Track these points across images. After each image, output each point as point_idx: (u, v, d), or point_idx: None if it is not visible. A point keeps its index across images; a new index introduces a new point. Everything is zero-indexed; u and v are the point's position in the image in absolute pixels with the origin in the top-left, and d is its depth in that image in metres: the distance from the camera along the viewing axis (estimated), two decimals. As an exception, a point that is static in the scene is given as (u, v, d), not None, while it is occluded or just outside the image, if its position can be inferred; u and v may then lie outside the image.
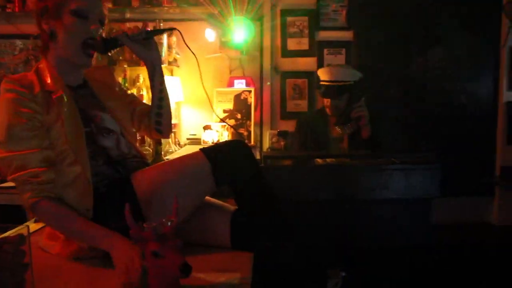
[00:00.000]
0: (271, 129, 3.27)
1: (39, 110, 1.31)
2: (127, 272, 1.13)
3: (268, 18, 3.24)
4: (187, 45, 1.51)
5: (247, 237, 1.42)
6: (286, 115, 3.29)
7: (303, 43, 3.27)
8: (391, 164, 2.18)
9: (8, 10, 3.18)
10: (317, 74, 2.69)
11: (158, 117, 1.56)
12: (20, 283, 1.04)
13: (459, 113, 3.31)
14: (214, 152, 1.40)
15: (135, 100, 1.66)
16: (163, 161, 1.47)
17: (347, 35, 3.25)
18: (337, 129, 2.51)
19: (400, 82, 3.31)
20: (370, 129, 2.44)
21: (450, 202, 3.14)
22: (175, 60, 3.19)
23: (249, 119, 3.17)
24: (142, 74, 3.12)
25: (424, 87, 3.32)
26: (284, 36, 3.27)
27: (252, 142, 3.16)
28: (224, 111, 3.17)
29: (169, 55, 3.12)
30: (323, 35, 3.27)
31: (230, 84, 3.24)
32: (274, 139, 3.23)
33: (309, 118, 2.81)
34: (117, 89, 1.63)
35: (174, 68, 3.23)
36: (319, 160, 2.19)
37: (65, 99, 1.34)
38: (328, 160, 2.20)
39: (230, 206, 1.52)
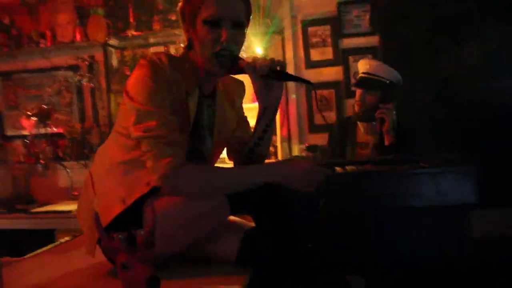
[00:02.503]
0: (300, 143, 3.16)
1: (176, 89, 1.27)
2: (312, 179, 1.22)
3: (289, 30, 3.18)
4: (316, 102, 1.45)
5: (254, 258, 1.31)
6: (314, 128, 3.18)
7: (327, 53, 3.16)
8: (419, 168, 2.00)
9: (42, 45, 3.36)
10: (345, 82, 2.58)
11: (252, 149, 1.44)
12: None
13: (497, 114, 3.02)
14: None
15: (242, 125, 1.56)
16: None
17: (372, 40, 3.11)
18: (360, 126, 2.35)
19: (431, 83, 3.10)
20: (392, 137, 2.27)
21: (491, 212, 2.83)
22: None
23: (275, 134, 3.08)
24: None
25: (457, 86, 3.08)
26: (307, 47, 3.19)
27: (280, 158, 3.06)
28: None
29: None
30: (347, 42, 3.15)
31: (254, 100, 3.17)
32: (303, 154, 3.11)
33: (338, 124, 2.68)
34: (237, 105, 1.54)
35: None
36: (338, 169, 2.05)
37: (194, 101, 1.30)
38: (348, 168, 2.05)
39: (245, 222, 1.42)
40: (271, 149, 3.07)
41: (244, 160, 1.45)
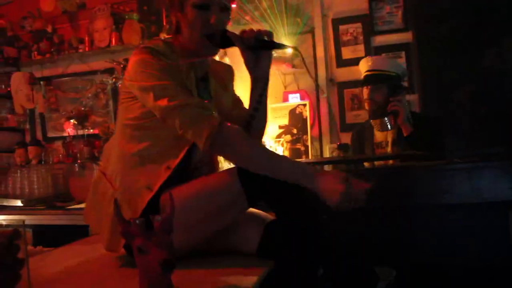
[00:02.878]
0: (331, 142, 3.11)
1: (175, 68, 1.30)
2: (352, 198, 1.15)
3: (320, 28, 3.15)
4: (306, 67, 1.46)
5: (276, 250, 1.29)
6: (346, 127, 3.12)
7: (359, 51, 3.10)
8: (453, 163, 1.91)
9: (80, 51, 3.50)
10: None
11: (249, 122, 1.48)
12: (14, 279, 1.04)
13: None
14: (248, 176, 1.27)
15: (238, 104, 1.60)
16: (196, 181, 1.36)
17: (405, 36, 3.02)
18: (374, 125, 2.31)
19: (472, 79, 2.97)
20: (410, 128, 2.21)
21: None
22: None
23: (306, 133, 3.05)
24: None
25: (500, 81, 2.94)
26: (338, 45, 3.14)
27: (310, 157, 3.02)
28: (280, 127, 3.10)
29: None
30: (379, 39, 3.08)
31: (285, 99, 3.17)
32: (334, 153, 3.06)
33: (358, 129, 2.63)
34: (229, 88, 1.59)
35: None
36: (366, 164, 2.00)
37: (194, 84, 1.34)
38: (376, 163, 1.99)
39: (266, 215, 1.41)
40: (301, 148, 3.05)
41: (244, 129, 1.47)
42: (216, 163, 1.54)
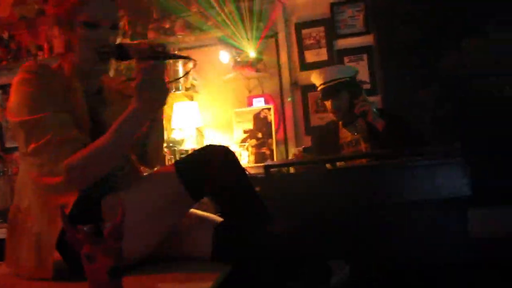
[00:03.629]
0: (296, 146, 3.11)
1: (57, 92, 1.29)
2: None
3: (283, 33, 3.17)
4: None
5: (229, 250, 1.28)
6: (311, 130, 3.13)
7: (322, 54, 3.14)
8: (413, 161, 1.94)
9: (40, 57, 3.39)
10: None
11: (144, 147, 1.49)
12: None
13: (499, 111, 2.95)
14: (186, 165, 1.29)
15: None
16: (136, 182, 1.36)
17: (367, 39, 3.08)
18: (347, 131, 2.33)
19: (433, 82, 3.05)
20: (383, 122, 2.22)
21: (497, 211, 2.75)
22: (193, 86, 3.19)
23: (271, 137, 3.05)
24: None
25: (460, 84, 3.02)
26: (301, 49, 3.17)
27: (276, 161, 3.02)
28: (245, 132, 3.09)
29: (185, 81, 3.13)
30: (342, 43, 3.13)
31: (249, 104, 3.17)
32: (300, 156, 3.06)
33: (320, 131, 2.63)
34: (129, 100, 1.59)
35: (193, 94, 3.22)
36: (328, 166, 2.01)
37: (80, 99, 1.33)
38: (338, 164, 2.00)
39: (216, 217, 1.40)
40: (267, 151, 3.04)
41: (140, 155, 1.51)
42: (136, 168, 1.52)
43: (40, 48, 3.41)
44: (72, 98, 1.31)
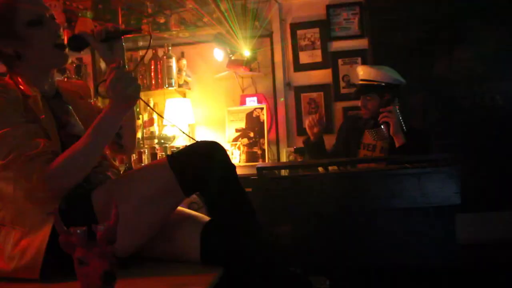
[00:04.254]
0: (288, 146, 3.13)
1: (17, 103, 1.26)
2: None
3: (278, 33, 3.17)
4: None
5: (218, 253, 1.28)
6: (302, 131, 3.14)
7: (316, 55, 3.15)
8: (401, 169, 1.96)
9: None
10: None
11: (118, 136, 1.48)
12: None
13: (494, 116, 3.00)
14: (178, 158, 1.29)
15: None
16: (127, 173, 1.38)
17: (361, 43, 3.10)
18: (368, 134, 2.35)
19: (423, 87, 3.08)
20: (402, 139, 2.24)
21: (487, 217, 2.79)
22: (186, 82, 3.17)
23: (263, 137, 3.06)
24: (153, 99, 3.13)
25: (451, 90, 3.06)
26: (296, 49, 3.17)
27: (267, 161, 3.02)
28: (237, 130, 3.08)
29: (179, 77, 3.11)
30: (336, 45, 3.14)
31: (243, 103, 3.16)
32: (291, 157, 3.07)
33: (351, 122, 2.63)
34: (90, 100, 1.59)
35: (186, 90, 3.21)
36: (320, 169, 2.02)
37: (41, 104, 1.31)
38: (330, 168, 2.02)
39: (204, 216, 1.40)
40: (258, 151, 3.05)
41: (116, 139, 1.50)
42: (114, 165, 1.52)
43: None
44: (33, 107, 1.29)
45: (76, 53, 1.53)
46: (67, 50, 1.37)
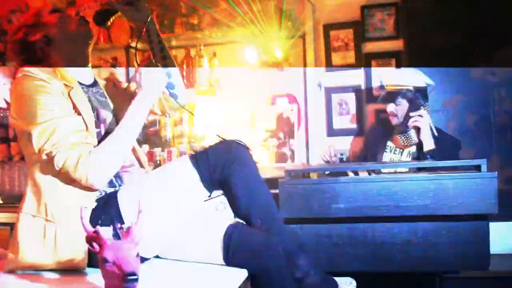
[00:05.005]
0: (318, 148, 3.08)
1: (59, 94, 1.31)
2: None
3: (311, 33, 3.12)
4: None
5: (241, 255, 1.28)
6: (333, 132, 3.11)
7: (349, 57, 3.09)
8: (436, 175, 1.90)
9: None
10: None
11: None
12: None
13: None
14: (200, 156, 1.31)
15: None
16: (151, 172, 1.41)
17: (396, 44, 3.01)
18: (397, 139, 2.30)
19: (462, 90, 2.97)
20: (431, 144, 2.19)
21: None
22: (217, 82, 3.19)
23: (292, 137, 3.03)
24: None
25: (491, 94, 2.94)
26: (328, 50, 3.12)
27: (296, 162, 3.00)
28: (266, 131, 3.07)
29: (210, 77, 3.13)
30: (370, 46, 3.07)
31: (273, 103, 3.15)
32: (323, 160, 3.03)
33: (378, 124, 2.64)
34: (123, 86, 1.63)
35: (217, 90, 3.22)
36: (350, 173, 1.98)
37: (81, 96, 1.35)
38: (359, 172, 1.97)
39: (228, 218, 1.41)
40: (288, 152, 3.03)
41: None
42: (139, 159, 1.55)
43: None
44: (74, 98, 1.32)
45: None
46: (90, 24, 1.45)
